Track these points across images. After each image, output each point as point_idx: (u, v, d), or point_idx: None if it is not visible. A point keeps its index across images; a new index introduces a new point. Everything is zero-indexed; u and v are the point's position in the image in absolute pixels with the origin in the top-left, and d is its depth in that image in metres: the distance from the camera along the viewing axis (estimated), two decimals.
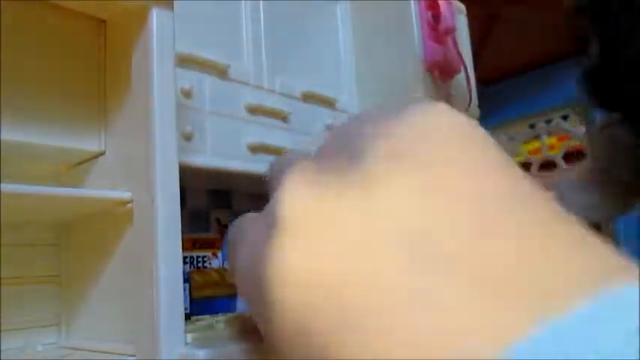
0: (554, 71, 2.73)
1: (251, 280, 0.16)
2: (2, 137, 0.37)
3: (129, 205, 0.38)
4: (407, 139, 0.15)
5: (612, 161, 0.64)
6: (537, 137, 2.04)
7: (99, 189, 0.41)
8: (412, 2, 0.80)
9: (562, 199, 0.64)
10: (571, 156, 1.73)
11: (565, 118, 2.37)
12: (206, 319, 0.50)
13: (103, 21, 0.43)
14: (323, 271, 0.13)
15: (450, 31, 0.83)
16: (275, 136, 0.65)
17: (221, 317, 0.51)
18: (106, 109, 0.43)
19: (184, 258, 0.62)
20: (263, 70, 0.66)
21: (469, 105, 0.83)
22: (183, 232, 0.38)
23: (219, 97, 0.59)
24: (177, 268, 0.36)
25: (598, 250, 0.11)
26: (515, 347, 0.09)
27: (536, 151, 1.99)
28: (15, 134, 0.38)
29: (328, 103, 0.76)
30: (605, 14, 0.50)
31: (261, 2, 0.68)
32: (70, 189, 0.42)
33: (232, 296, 0.59)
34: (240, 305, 0.66)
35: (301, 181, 0.16)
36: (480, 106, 0.99)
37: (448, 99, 0.81)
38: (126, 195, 0.38)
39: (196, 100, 0.56)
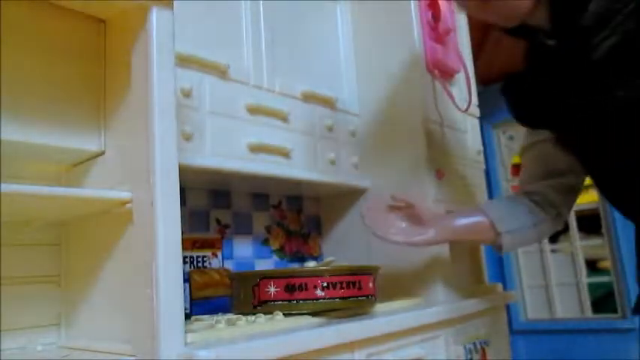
0: None
1: None
2: (2, 137, 0.37)
3: (129, 205, 0.38)
4: None
5: (542, 175, 0.65)
6: None
7: (99, 189, 0.41)
8: (412, 2, 0.80)
9: (493, 224, 0.64)
10: None
11: None
12: (206, 319, 0.50)
13: (103, 21, 0.43)
14: None
15: (450, 31, 0.84)
16: (275, 136, 0.65)
17: (221, 317, 0.51)
18: (106, 109, 0.43)
19: (184, 258, 0.62)
20: (263, 70, 0.66)
21: (469, 104, 0.83)
22: (183, 232, 0.38)
23: (219, 97, 0.59)
24: (178, 268, 0.36)
25: None
26: None
27: None
28: (15, 134, 0.38)
29: (328, 103, 0.76)
30: None
31: (261, 2, 0.68)
32: (70, 189, 0.42)
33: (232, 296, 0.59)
34: None
35: None
36: (479, 106, 1.00)
37: (448, 99, 0.81)
38: (126, 195, 0.38)
39: (196, 100, 0.56)
